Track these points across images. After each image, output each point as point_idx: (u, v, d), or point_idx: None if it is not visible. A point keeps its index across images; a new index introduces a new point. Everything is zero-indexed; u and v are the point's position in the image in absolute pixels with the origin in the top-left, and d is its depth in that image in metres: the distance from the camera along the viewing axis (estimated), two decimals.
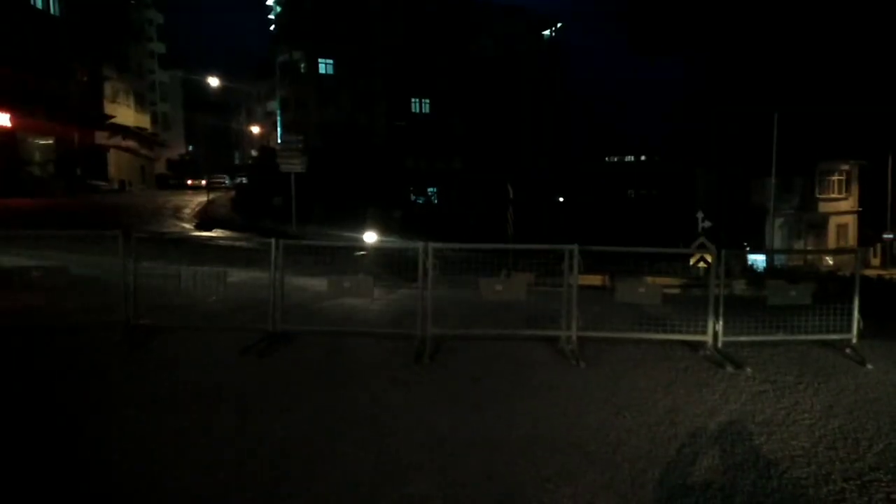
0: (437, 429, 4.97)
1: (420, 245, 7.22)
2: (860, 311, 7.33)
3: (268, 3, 61.06)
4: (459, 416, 5.27)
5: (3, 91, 30.61)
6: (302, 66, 53.30)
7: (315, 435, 4.80)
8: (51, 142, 37.43)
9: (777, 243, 37.35)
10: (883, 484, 4.16)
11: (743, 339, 7.27)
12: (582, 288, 7.72)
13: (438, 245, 7.38)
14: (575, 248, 7.21)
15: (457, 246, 7.92)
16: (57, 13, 37.74)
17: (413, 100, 55.20)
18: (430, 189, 53.44)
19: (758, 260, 21.52)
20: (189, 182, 51.06)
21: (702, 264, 14.68)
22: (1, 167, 30.86)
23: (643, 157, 72.28)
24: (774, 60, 40.33)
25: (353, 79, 51.27)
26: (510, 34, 56.39)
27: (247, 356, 6.70)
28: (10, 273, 8.31)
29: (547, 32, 63.37)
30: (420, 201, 52.00)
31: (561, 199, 55.13)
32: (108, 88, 46.62)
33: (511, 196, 24.93)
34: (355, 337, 7.45)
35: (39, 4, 36.03)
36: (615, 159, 72.45)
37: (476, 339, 7.41)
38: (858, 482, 4.19)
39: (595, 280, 13.61)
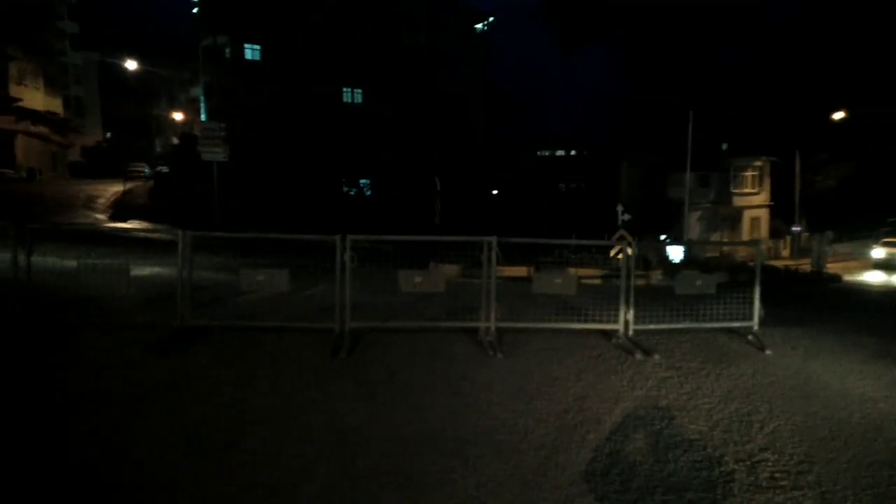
0: (347, 424, 4.88)
1: (337, 237, 7.07)
2: (762, 300, 7.73)
3: None
4: (372, 410, 5.19)
5: None
6: (227, 51, 51.29)
7: (216, 436, 4.61)
8: None
9: (695, 235, 39.13)
10: (769, 464, 4.39)
11: (652, 327, 7.54)
12: (507, 279, 7.81)
13: (357, 237, 7.24)
14: (493, 239, 7.26)
15: (374, 238, 7.80)
16: None
17: (345, 89, 54.20)
18: (362, 181, 52.74)
19: (671, 252, 22.42)
20: (140, 171, 47.06)
21: (622, 256, 15.12)
22: None
23: (573, 152, 74.04)
24: (692, 59, 42.11)
25: (283, 66, 49.71)
26: (442, 27, 56.28)
27: (150, 354, 6.37)
28: None
29: (479, 26, 63.68)
30: (352, 193, 51.26)
31: (495, 192, 55.79)
32: (13, 69, 43.34)
33: (438, 188, 24.97)
34: (271, 332, 7.22)
35: None
36: (547, 153, 73.84)
37: (396, 332, 7.35)
38: (748, 463, 4.40)
39: (520, 272, 13.84)
